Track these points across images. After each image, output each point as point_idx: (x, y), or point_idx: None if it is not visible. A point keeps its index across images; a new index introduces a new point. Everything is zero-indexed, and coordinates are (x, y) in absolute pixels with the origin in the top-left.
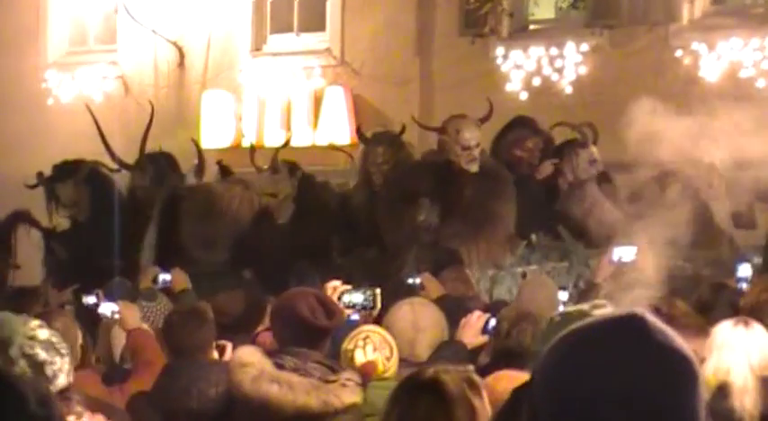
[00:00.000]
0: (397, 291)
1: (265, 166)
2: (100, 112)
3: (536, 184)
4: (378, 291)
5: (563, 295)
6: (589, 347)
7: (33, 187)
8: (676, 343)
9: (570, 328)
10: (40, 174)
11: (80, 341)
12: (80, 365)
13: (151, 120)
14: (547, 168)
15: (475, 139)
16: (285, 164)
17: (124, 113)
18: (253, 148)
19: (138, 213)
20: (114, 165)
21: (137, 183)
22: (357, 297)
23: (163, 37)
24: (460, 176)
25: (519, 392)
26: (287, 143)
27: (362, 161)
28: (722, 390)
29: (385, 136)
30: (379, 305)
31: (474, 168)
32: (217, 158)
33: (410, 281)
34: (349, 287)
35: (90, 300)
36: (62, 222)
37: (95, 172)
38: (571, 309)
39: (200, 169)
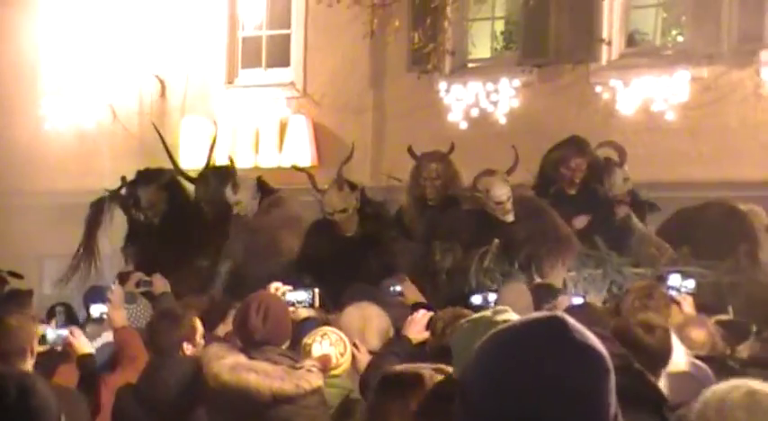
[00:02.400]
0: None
1: (325, 186)
2: (91, 137)
3: (574, 199)
4: (317, 290)
5: (598, 299)
6: (518, 345)
7: (118, 190)
8: (591, 341)
9: (499, 329)
10: (123, 178)
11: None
12: (65, 360)
13: (215, 140)
14: (582, 222)
15: (505, 194)
16: (346, 181)
17: (112, 137)
18: (310, 174)
19: (198, 221)
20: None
21: (199, 195)
22: (300, 295)
23: (147, 71)
24: (502, 225)
25: (439, 388)
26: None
27: (415, 176)
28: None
29: (436, 154)
30: (317, 302)
31: (510, 218)
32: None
33: (392, 288)
34: (290, 287)
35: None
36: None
37: (173, 180)
38: (477, 316)
39: (235, 185)
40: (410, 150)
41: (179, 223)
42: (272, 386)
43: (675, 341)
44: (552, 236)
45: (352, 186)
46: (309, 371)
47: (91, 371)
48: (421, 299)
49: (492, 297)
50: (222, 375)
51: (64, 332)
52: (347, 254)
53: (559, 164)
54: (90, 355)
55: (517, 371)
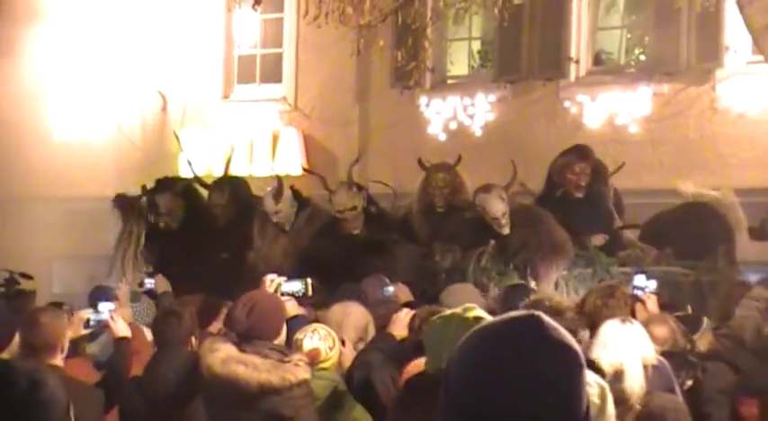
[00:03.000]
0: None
1: (333, 187)
2: (96, 148)
3: (580, 202)
4: (309, 280)
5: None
6: (497, 342)
7: (140, 197)
8: (566, 338)
9: (480, 326)
10: (143, 187)
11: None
12: (73, 354)
13: (232, 153)
14: (599, 239)
15: (500, 210)
16: (354, 183)
17: (116, 148)
18: (322, 177)
19: (213, 226)
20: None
21: (215, 201)
22: (294, 286)
23: (149, 86)
24: (502, 234)
25: (414, 382)
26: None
27: (424, 185)
28: (617, 376)
29: (444, 165)
30: (311, 292)
31: (506, 231)
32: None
33: (385, 289)
34: (284, 278)
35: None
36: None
37: (190, 187)
38: (447, 312)
39: (278, 193)
40: (420, 162)
41: (196, 227)
42: (259, 378)
43: (645, 335)
44: (547, 243)
45: (359, 187)
46: (296, 364)
47: (124, 353)
48: (410, 298)
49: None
50: (214, 367)
51: (105, 316)
52: (354, 250)
53: (565, 169)
54: (126, 338)
55: (496, 366)
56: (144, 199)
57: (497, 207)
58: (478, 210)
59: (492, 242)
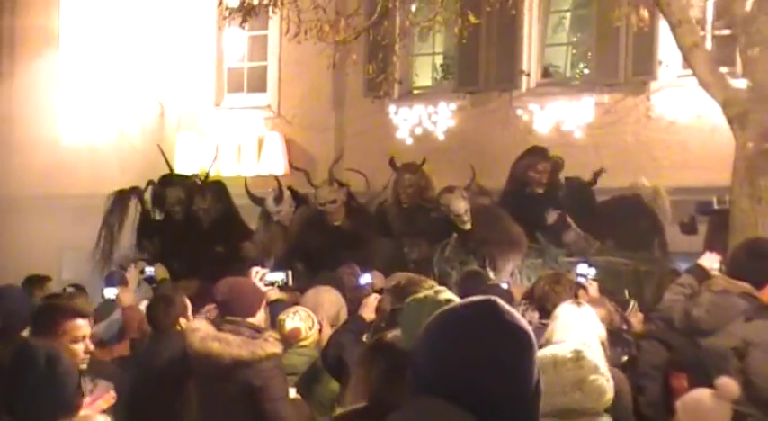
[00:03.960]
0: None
1: (318, 181)
2: (102, 151)
3: (542, 197)
4: (290, 272)
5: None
6: (456, 324)
7: (144, 189)
8: (520, 321)
9: (442, 310)
10: (150, 181)
11: None
12: None
13: (215, 159)
14: (552, 216)
15: (462, 208)
16: (335, 180)
17: (119, 151)
18: (307, 173)
19: (196, 226)
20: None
21: (198, 204)
22: (277, 275)
23: (149, 95)
24: (464, 230)
25: (391, 359)
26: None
27: (394, 184)
28: (577, 353)
29: (412, 166)
30: (291, 282)
31: (467, 227)
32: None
33: (363, 276)
34: (267, 270)
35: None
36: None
37: (194, 183)
38: (420, 295)
39: (279, 195)
40: (392, 162)
41: (197, 220)
42: (231, 352)
43: (595, 316)
44: (505, 239)
45: (340, 184)
46: (266, 340)
47: (130, 319)
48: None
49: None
50: (194, 344)
51: (115, 290)
52: (336, 239)
53: (528, 169)
54: (133, 306)
55: (456, 346)
56: (149, 191)
57: (460, 205)
58: (443, 208)
59: (455, 235)
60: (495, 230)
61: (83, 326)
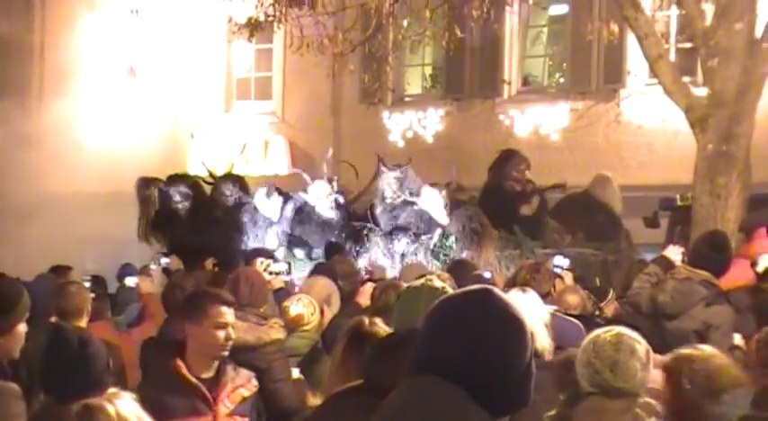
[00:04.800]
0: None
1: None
2: (121, 152)
3: (521, 193)
4: (290, 262)
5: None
6: (455, 310)
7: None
8: (513, 308)
9: (443, 298)
10: (157, 180)
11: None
12: (97, 318)
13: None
14: (527, 209)
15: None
16: (330, 178)
17: (136, 153)
18: (304, 175)
19: (214, 212)
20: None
21: (221, 192)
22: (281, 266)
23: (165, 103)
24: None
25: (388, 340)
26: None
27: (380, 180)
28: (617, 336)
29: (396, 166)
30: (292, 271)
31: (445, 222)
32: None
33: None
34: (271, 261)
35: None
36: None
37: (196, 182)
38: (416, 283)
39: (269, 192)
40: (379, 160)
41: (201, 215)
42: (238, 337)
43: (540, 301)
44: (477, 231)
45: (330, 180)
46: (271, 327)
47: (148, 305)
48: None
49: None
50: None
51: (135, 279)
52: (330, 234)
53: (512, 169)
54: (151, 294)
55: (454, 330)
56: (159, 189)
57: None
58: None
59: (439, 230)
60: (469, 223)
61: (227, 313)
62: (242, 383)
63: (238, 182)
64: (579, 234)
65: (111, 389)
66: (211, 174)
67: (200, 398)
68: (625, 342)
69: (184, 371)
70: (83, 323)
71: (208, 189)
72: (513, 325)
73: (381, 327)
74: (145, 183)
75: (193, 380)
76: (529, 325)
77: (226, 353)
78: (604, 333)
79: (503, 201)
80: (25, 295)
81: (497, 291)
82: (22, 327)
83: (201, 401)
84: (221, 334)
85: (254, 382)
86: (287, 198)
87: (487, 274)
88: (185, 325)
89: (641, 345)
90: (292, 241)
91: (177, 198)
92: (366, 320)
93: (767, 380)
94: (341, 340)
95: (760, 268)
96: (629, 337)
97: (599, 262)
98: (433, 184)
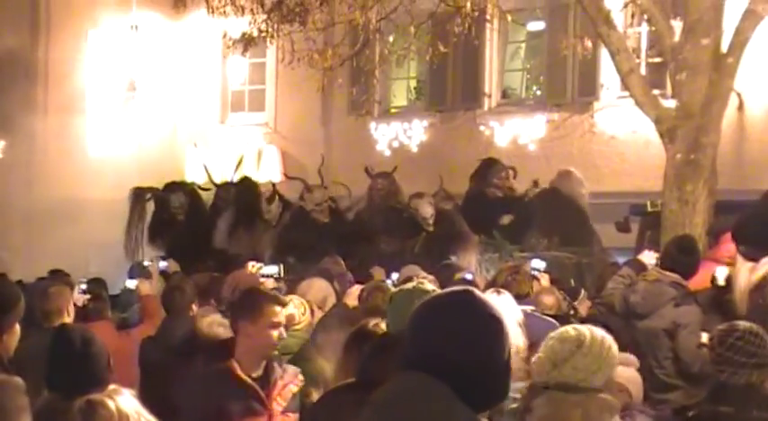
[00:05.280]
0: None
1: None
2: (123, 162)
3: (502, 200)
4: (282, 265)
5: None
6: (439, 310)
7: (156, 191)
8: (494, 309)
9: (427, 298)
10: (167, 184)
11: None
12: (98, 318)
13: (240, 163)
14: (506, 219)
15: (429, 212)
16: (325, 185)
17: (138, 162)
18: (304, 181)
19: (214, 217)
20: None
21: (221, 196)
22: (272, 269)
23: (165, 115)
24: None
25: (382, 340)
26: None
27: (369, 189)
28: (579, 332)
29: (384, 174)
30: (283, 274)
31: (430, 229)
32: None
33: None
34: (262, 264)
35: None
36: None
37: (194, 189)
38: (407, 286)
39: (271, 197)
40: (366, 170)
41: (197, 221)
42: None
43: (513, 301)
44: (459, 236)
45: (325, 188)
46: None
47: (148, 306)
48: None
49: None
50: (203, 329)
51: (135, 282)
52: (321, 238)
53: (493, 177)
54: (150, 295)
55: (438, 328)
56: (158, 195)
57: (427, 210)
58: (412, 211)
59: (423, 234)
60: (452, 229)
61: (280, 312)
62: (290, 380)
63: (237, 187)
64: (555, 238)
65: (112, 386)
66: (212, 181)
67: (254, 398)
68: (571, 338)
69: (239, 371)
70: (65, 321)
71: (204, 195)
72: (494, 324)
73: (382, 329)
74: (139, 193)
75: (248, 380)
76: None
77: (275, 353)
78: (561, 330)
79: (484, 208)
80: (22, 296)
81: (478, 292)
82: (18, 326)
83: (256, 401)
84: (275, 333)
85: (300, 377)
86: (286, 203)
87: (469, 276)
88: (239, 323)
89: (595, 341)
90: (287, 245)
91: (175, 204)
92: (371, 322)
93: (722, 376)
94: (345, 339)
95: (720, 281)
96: (579, 333)
97: (573, 264)
98: (420, 193)
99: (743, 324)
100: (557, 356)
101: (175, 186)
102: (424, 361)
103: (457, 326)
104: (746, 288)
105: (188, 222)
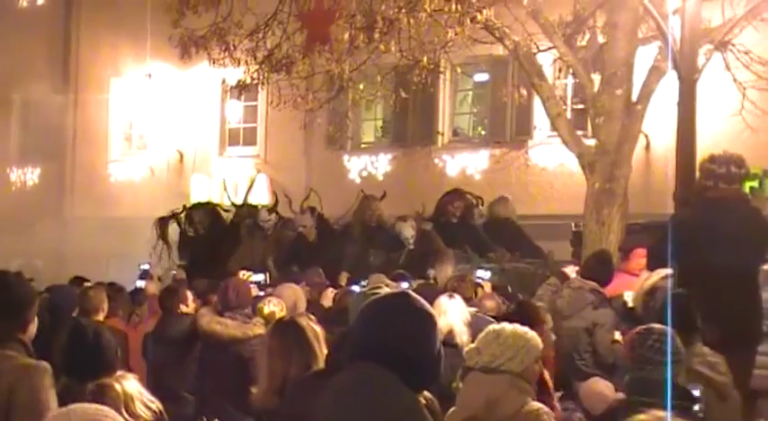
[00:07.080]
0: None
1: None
2: (138, 184)
3: (454, 226)
4: (268, 273)
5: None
6: (381, 309)
7: (180, 212)
8: (427, 307)
9: (371, 299)
10: (184, 206)
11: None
12: (112, 315)
13: (251, 186)
14: (479, 219)
15: (410, 234)
16: (309, 208)
17: (150, 185)
18: (290, 201)
19: (234, 234)
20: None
21: (242, 215)
22: (259, 277)
23: (172, 146)
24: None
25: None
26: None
27: (362, 209)
28: (450, 333)
29: (373, 197)
30: (269, 281)
31: (412, 248)
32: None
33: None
34: (251, 273)
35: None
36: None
37: (215, 208)
38: (377, 289)
39: (273, 208)
40: (363, 193)
41: (218, 236)
42: (228, 332)
43: (463, 304)
44: (437, 252)
45: (313, 210)
46: (255, 324)
47: (153, 305)
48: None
49: (404, 284)
50: (202, 325)
51: (143, 282)
52: (312, 252)
53: (447, 204)
54: (155, 294)
55: (381, 324)
56: (183, 214)
57: (408, 232)
58: (396, 232)
59: (406, 249)
60: (431, 247)
61: None
62: None
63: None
64: (516, 253)
65: (119, 372)
66: (233, 204)
67: None
68: (494, 330)
69: None
70: (101, 317)
71: (225, 215)
72: (429, 320)
73: None
74: (163, 222)
75: None
76: (449, 321)
77: None
78: (491, 325)
79: (441, 230)
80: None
81: (414, 294)
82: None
83: None
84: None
85: None
86: (285, 221)
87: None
88: None
89: (514, 334)
90: (283, 258)
91: (196, 219)
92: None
93: (643, 373)
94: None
95: (630, 304)
96: (502, 327)
97: (530, 274)
98: (404, 216)
99: (657, 327)
100: (480, 344)
101: (199, 205)
102: (371, 352)
103: (398, 321)
104: (640, 293)
105: (207, 235)
